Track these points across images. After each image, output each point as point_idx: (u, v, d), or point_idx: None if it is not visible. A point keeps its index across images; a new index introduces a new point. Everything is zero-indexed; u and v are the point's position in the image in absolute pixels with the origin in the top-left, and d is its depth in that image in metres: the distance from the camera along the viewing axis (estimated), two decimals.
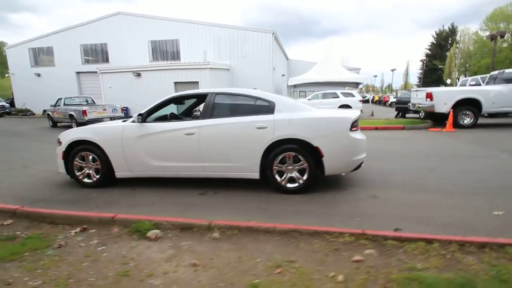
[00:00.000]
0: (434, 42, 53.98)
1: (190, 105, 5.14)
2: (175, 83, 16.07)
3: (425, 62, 43.07)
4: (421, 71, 55.68)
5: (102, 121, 12.00)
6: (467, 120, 9.15)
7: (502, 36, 20.42)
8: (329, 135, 3.49)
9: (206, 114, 3.77)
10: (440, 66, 47.71)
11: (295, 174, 3.62)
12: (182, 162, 3.81)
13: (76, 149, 4.05)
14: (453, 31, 52.32)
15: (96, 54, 21.23)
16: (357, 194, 3.62)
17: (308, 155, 3.53)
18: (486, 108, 8.92)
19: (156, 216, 2.93)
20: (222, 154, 3.68)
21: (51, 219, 2.88)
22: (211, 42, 18.69)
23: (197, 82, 15.64)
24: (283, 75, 23.27)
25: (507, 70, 9.47)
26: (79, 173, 4.15)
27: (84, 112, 11.32)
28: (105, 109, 12.18)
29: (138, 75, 16.63)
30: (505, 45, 41.19)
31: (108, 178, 4.08)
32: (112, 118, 12.50)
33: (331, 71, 17.96)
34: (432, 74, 49.14)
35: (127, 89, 16.87)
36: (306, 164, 3.55)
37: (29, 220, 2.95)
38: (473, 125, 9.07)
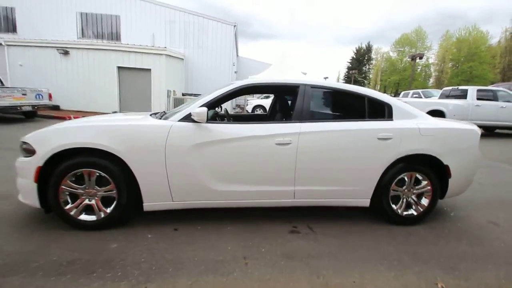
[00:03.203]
0: (354, 56, 61.58)
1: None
2: (119, 68, 13.19)
3: (352, 74, 48.33)
4: (343, 81, 63.06)
5: (21, 109, 8.79)
6: None
7: (420, 58, 24.12)
8: (460, 151, 2.79)
9: (303, 115, 2.58)
10: (359, 79, 54.69)
11: (412, 199, 2.81)
12: (266, 185, 2.52)
13: (66, 163, 2.27)
14: (369, 49, 60.58)
15: None
16: (469, 220, 3.02)
17: (433, 175, 2.76)
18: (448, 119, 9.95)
19: None
20: (329, 173, 2.57)
21: None
22: (162, 25, 16.19)
23: (149, 69, 13.19)
24: (235, 72, 22.19)
25: (460, 87, 10.83)
26: (71, 205, 2.36)
27: None
28: (25, 94, 8.85)
29: (66, 53, 13.00)
30: (407, 64, 49.88)
31: (125, 213, 2.43)
32: (35, 107, 9.29)
33: (289, 73, 17.89)
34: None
35: (47, 70, 13.05)
36: (429, 187, 2.77)
37: None
38: None
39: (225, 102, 2.84)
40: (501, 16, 52.96)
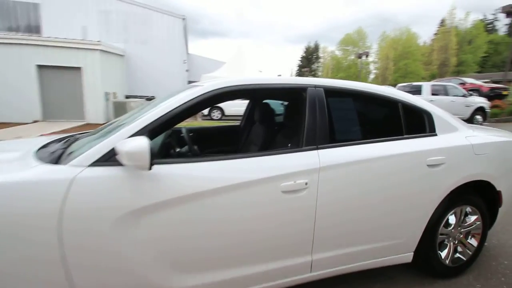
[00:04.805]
0: (304, 55, 63.58)
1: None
2: (39, 67, 10.70)
3: (304, 72, 49.73)
4: None
5: None
6: None
7: (367, 56, 25.36)
8: (511, 170, 2.10)
9: (319, 137, 1.57)
10: (310, 76, 56.67)
11: (459, 241, 2.03)
12: (266, 262, 1.46)
13: None
14: (317, 48, 63.07)
15: None
16: None
17: (484, 205, 2.03)
18: None
19: None
20: (361, 227, 1.62)
21: None
22: (94, 16, 13.84)
23: (79, 68, 10.97)
24: (187, 70, 20.46)
25: (414, 83, 11.10)
26: None
27: None
28: None
29: None
30: (351, 62, 53.18)
31: None
32: None
33: (246, 72, 16.95)
34: None
35: None
36: (480, 222, 2.03)
37: None
38: None
39: (186, 118, 1.71)
40: (426, 19, 59.91)
